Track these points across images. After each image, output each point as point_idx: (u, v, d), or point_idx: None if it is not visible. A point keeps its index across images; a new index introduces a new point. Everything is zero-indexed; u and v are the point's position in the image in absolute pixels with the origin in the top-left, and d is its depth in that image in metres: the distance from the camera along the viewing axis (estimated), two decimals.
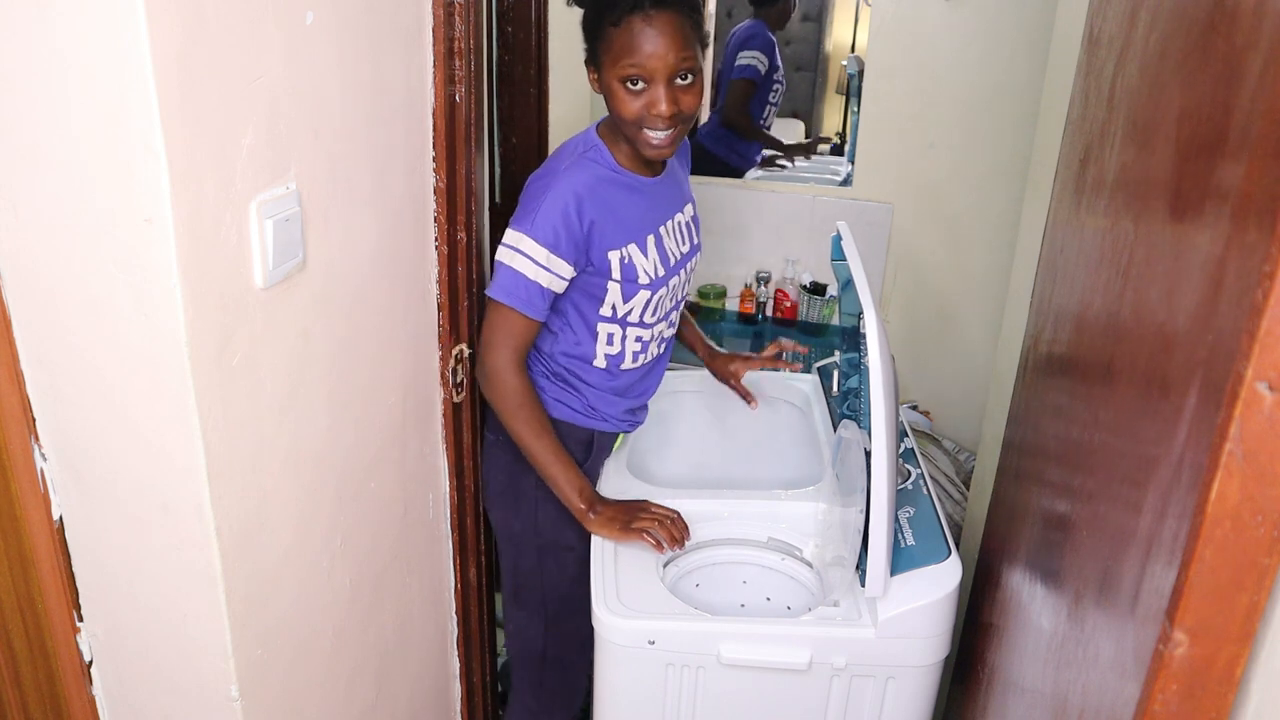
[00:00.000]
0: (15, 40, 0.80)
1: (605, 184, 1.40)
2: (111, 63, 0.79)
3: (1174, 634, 0.65)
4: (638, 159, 1.44)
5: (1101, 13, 1.09)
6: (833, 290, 2.70)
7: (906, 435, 1.65)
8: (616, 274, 1.42)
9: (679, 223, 1.55)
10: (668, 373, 1.93)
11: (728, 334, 2.74)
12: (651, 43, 1.30)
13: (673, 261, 1.50)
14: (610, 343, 1.50)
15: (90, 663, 1.09)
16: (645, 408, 1.65)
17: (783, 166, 2.91)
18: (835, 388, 1.73)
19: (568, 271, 1.38)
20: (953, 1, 2.42)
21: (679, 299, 1.58)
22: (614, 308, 1.46)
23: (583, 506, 1.45)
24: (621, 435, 1.66)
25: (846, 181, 2.74)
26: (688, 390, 1.87)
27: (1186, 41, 0.77)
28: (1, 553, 1.00)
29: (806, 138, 3.27)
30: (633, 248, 1.42)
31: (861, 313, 1.23)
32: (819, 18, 3.25)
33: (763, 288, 2.76)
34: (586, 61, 1.39)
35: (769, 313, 2.78)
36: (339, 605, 1.26)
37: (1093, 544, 0.88)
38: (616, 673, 1.33)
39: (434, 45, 1.31)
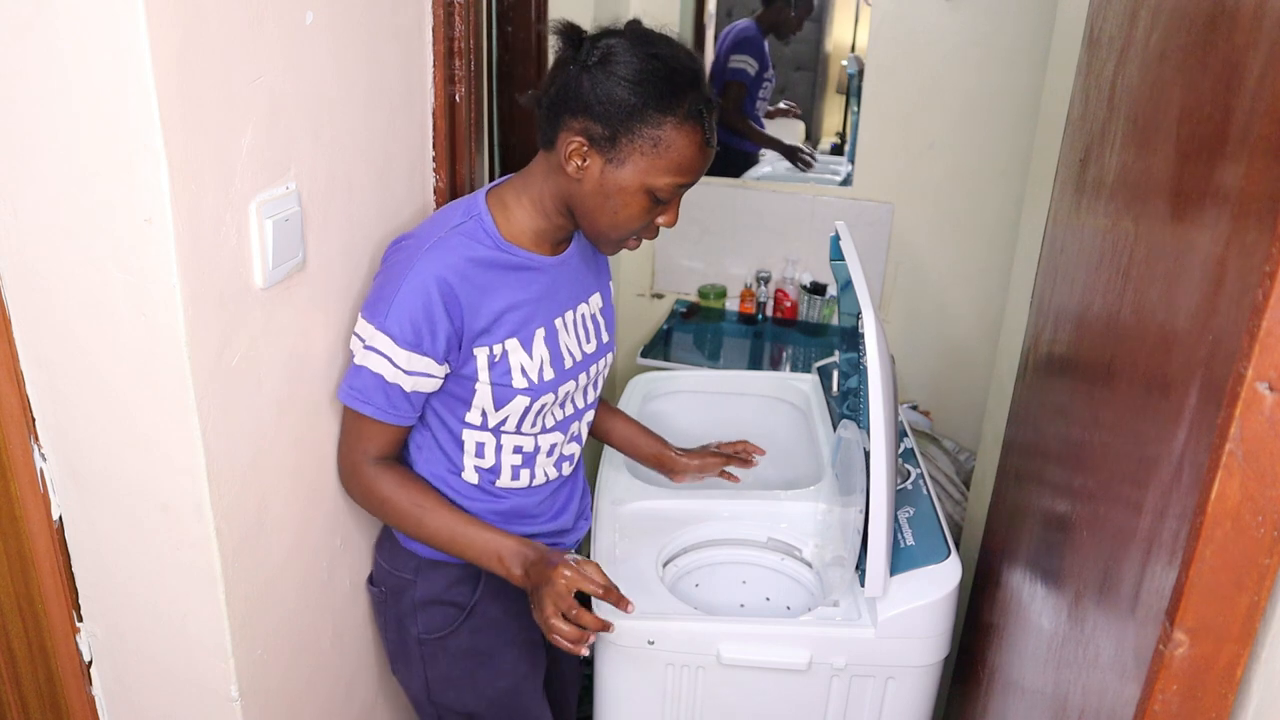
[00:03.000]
0: (15, 40, 0.80)
1: (481, 266, 1.12)
2: (111, 62, 0.79)
3: (1174, 634, 0.65)
4: (539, 235, 1.17)
5: (1101, 13, 1.09)
6: (833, 290, 2.70)
7: (906, 435, 1.65)
8: (484, 374, 1.14)
9: (582, 315, 1.26)
10: (665, 373, 1.94)
11: (728, 334, 2.74)
12: (707, 156, 1.08)
13: (568, 363, 1.22)
14: (480, 454, 1.21)
15: (90, 663, 1.09)
16: (568, 529, 1.34)
17: (806, 163, 2.94)
18: (835, 388, 1.73)
19: (438, 369, 1.12)
20: (953, 1, 2.42)
21: (581, 408, 1.30)
22: (483, 413, 1.18)
23: (518, 572, 1.14)
24: None
25: (846, 181, 2.74)
26: (687, 390, 1.88)
27: (1186, 41, 0.77)
28: (1, 553, 1.00)
29: (806, 138, 3.28)
30: (513, 343, 1.15)
31: (860, 312, 1.23)
32: (819, 18, 3.25)
33: (763, 288, 2.76)
34: (585, 137, 1.06)
35: (769, 313, 2.78)
36: (339, 605, 1.26)
37: (1093, 544, 0.88)
38: (616, 673, 1.33)
39: (434, 45, 1.31)
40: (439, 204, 1.38)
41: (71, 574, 1.04)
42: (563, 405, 1.24)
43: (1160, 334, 0.75)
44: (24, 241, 0.88)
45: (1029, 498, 1.23)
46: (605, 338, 1.31)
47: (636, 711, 1.35)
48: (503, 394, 1.16)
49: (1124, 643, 0.75)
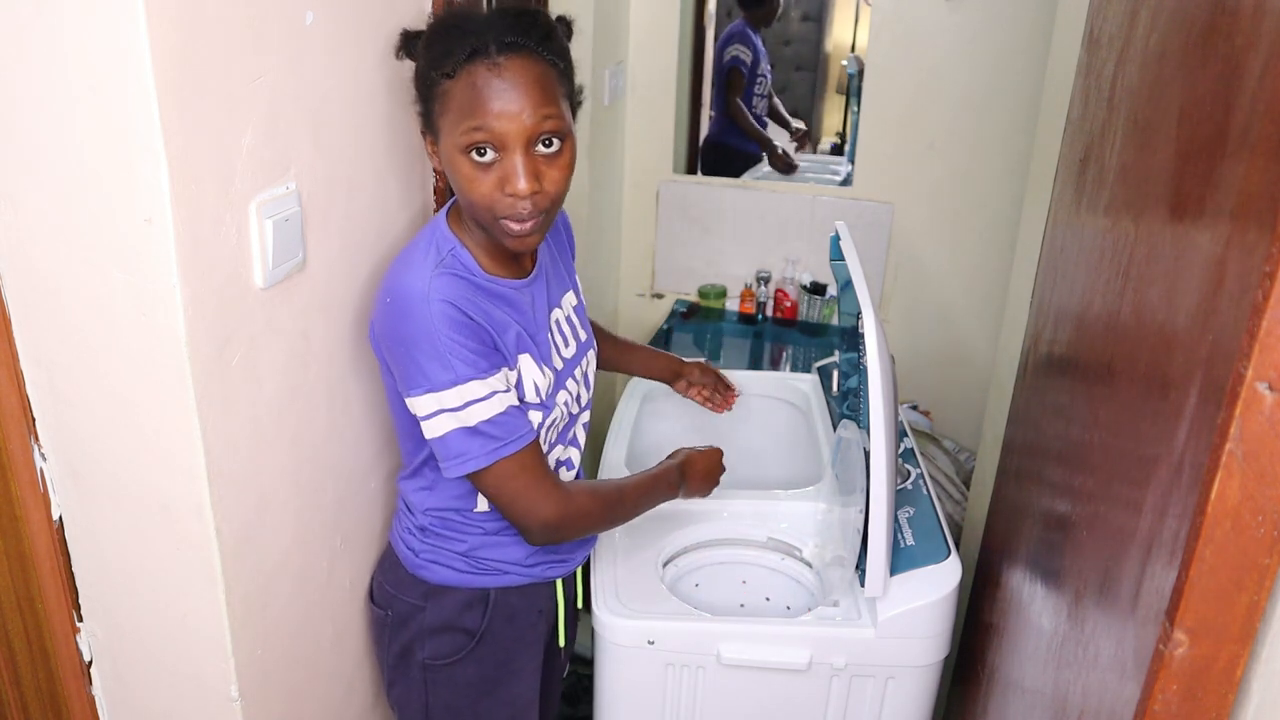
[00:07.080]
0: (15, 40, 0.80)
1: (478, 297, 1.09)
2: (112, 62, 0.79)
3: (1174, 634, 0.65)
4: (501, 253, 1.13)
5: (1101, 13, 1.09)
6: (833, 290, 2.70)
7: (906, 435, 1.65)
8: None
9: (558, 321, 1.23)
10: None
11: (728, 334, 2.74)
12: (500, 98, 0.99)
13: (560, 367, 1.21)
14: None
15: (90, 663, 1.09)
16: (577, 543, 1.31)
17: (786, 168, 2.95)
18: (835, 388, 1.73)
19: (511, 376, 1.11)
20: (953, 1, 2.42)
21: (575, 413, 1.27)
22: None
23: (680, 495, 1.32)
24: (560, 589, 1.32)
25: (846, 181, 2.74)
26: None
27: (1186, 41, 0.77)
28: (1, 553, 1.00)
29: (806, 138, 3.28)
30: (525, 359, 1.13)
31: (860, 312, 1.23)
32: (819, 18, 3.25)
33: (763, 288, 2.76)
34: (422, 130, 1.10)
35: (769, 313, 2.78)
36: (339, 605, 1.26)
37: (1093, 544, 0.88)
38: (616, 673, 1.33)
39: None
40: (439, 204, 1.39)
41: (71, 574, 1.04)
42: (563, 416, 1.23)
43: (1160, 334, 0.75)
44: (24, 241, 0.88)
45: (1029, 498, 1.23)
46: (586, 334, 1.30)
47: (636, 711, 1.35)
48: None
49: (1124, 643, 0.75)
